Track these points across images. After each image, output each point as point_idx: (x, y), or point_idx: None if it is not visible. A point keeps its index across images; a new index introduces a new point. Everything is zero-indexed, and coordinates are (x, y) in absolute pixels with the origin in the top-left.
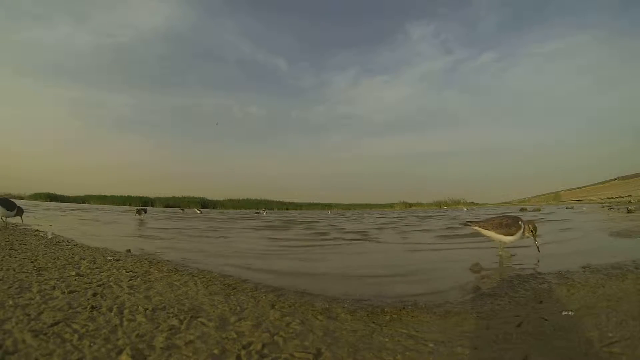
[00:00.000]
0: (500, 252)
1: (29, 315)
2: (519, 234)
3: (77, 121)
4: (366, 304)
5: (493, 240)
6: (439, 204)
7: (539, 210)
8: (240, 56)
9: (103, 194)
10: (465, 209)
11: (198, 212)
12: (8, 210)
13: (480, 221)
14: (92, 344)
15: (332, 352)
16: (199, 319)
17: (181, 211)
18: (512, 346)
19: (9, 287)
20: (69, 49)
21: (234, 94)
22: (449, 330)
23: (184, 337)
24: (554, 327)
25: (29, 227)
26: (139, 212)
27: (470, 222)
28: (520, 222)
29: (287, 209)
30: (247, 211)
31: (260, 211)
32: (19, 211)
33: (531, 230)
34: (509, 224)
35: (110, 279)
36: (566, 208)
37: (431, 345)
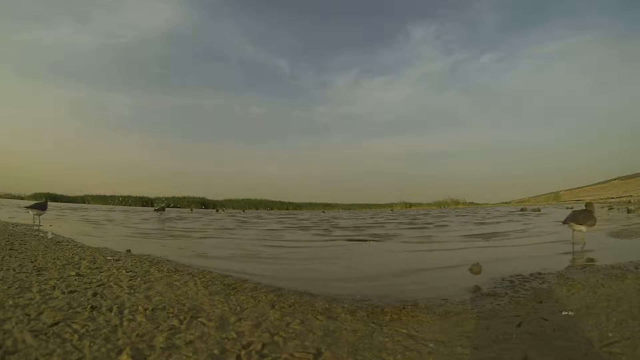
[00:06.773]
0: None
1: (29, 315)
2: None
3: (77, 121)
4: (366, 304)
5: None
6: (439, 204)
7: (539, 210)
8: (241, 56)
9: (103, 194)
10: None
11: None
12: (44, 210)
13: None
14: (92, 344)
15: (332, 352)
16: (199, 319)
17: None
18: (512, 346)
19: (9, 287)
20: (69, 49)
21: (234, 94)
22: (449, 330)
23: (184, 337)
24: (554, 327)
25: (29, 227)
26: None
27: None
28: None
29: (287, 209)
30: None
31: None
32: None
33: None
34: None
35: (110, 279)
36: (567, 208)
37: (431, 345)
